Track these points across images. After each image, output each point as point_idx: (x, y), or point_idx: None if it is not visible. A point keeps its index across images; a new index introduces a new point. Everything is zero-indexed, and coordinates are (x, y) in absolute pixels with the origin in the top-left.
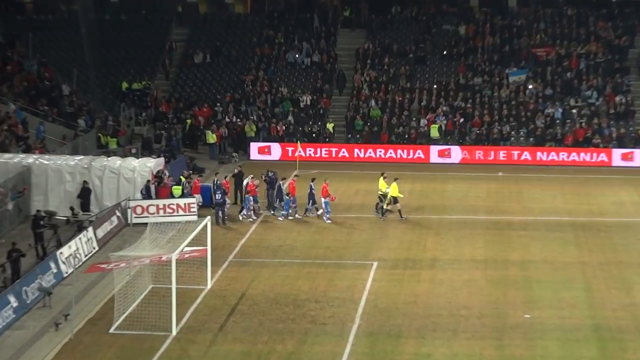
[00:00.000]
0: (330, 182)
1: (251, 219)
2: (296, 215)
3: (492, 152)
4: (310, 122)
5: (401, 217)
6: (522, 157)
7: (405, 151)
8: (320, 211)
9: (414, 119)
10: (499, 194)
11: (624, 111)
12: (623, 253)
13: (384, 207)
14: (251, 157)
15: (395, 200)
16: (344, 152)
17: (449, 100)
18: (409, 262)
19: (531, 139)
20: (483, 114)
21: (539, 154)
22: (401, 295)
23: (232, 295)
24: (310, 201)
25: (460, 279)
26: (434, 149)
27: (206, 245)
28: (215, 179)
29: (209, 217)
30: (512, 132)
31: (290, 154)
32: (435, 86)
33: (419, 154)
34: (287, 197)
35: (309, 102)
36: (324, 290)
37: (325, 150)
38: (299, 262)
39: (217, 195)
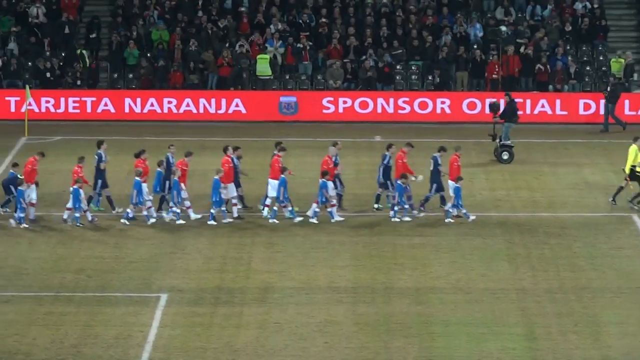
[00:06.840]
0: (83, 156)
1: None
2: (402, 216)
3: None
4: (47, 52)
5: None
6: (415, 108)
7: (214, 101)
8: (449, 207)
9: (227, 43)
10: (376, 173)
11: (590, 27)
12: (590, 271)
13: None
14: None
15: (635, 176)
16: (106, 104)
17: (290, 12)
18: (222, 294)
19: (431, 77)
20: (346, 34)
21: (441, 101)
22: (209, 350)
23: None
24: (435, 185)
25: (312, 320)
26: (263, 98)
27: None
28: None
29: None
30: (398, 66)
31: (13, 109)
32: None
33: (236, 105)
34: (402, 183)
35: (42, 17)
36: (76, 345)
37: (74, 102)
38: (32, 295)
39: None
